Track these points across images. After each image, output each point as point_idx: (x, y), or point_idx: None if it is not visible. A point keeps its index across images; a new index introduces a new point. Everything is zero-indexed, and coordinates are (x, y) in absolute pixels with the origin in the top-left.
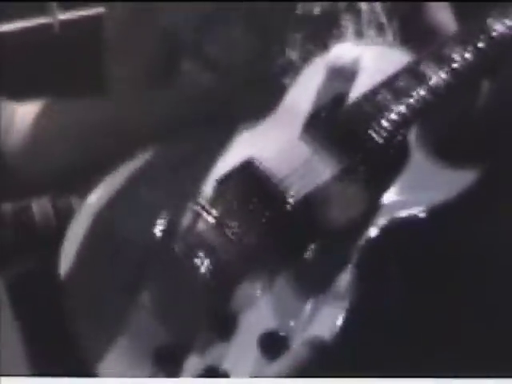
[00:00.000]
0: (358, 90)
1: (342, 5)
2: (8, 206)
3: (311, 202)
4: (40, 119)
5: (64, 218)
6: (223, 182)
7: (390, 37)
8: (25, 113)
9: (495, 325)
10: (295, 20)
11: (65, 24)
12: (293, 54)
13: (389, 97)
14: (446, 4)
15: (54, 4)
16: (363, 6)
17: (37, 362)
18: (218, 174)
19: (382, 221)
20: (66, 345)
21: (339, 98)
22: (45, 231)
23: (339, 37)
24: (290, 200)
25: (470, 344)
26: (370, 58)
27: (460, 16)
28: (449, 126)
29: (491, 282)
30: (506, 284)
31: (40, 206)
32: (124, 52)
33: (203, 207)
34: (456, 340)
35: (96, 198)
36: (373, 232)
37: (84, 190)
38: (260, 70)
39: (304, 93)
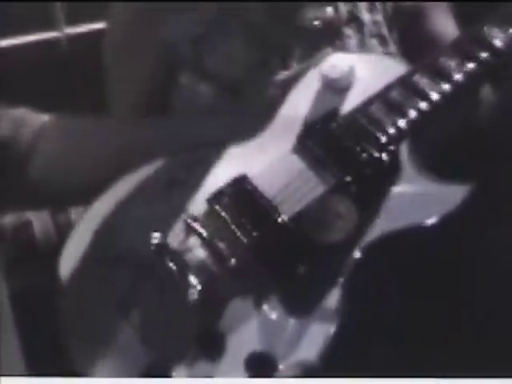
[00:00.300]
0: (352, 101)
1: (343, 16)
2: (9, 221)
3: (304, 217)
4: (47, 133)
5: (64, 234)
6: (215, 198)
7: (392, 48)
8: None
9: (498, 330)
10: (296, 31)
11: (72, 38)
12: (293, 66)
13: (383, 109)
14: (447, 14)
15: (62, 18)
16: (365, 16)
17: (36, 363)
18: (211, 190)
19: (373, 235)
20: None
21: (333, 110)
22: (45, 247)
23: (342, 48)
24: (283, 216)
25: (472, 353)
26: (364, 69)
27: (459, 24)
28: (444, 138)
29: (490, 290)
30: (507, 290)
31: (41, 222)
32: (123, 65)
33: (196, 223)
34: (457, 349)
35: (94, 211)
36: (365, 247)
37: (84, 206)
38: (260, 81)
39: (298, 105)
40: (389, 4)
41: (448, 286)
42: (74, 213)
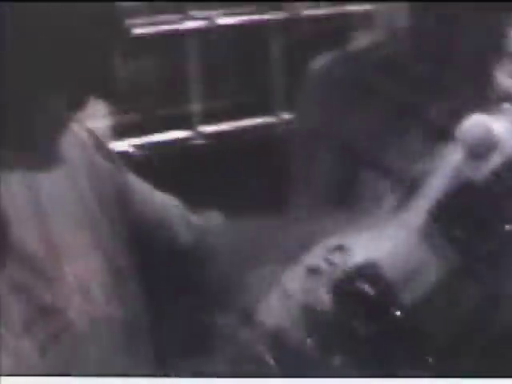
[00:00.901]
0: (490, 167)
1: None
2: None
3: (424, 308)
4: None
5: None
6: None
7: None
8: None
9: None
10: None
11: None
12: None
13: None
14: None
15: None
16: None
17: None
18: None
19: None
20: None
21: (469, 182)
22: None
23: None
24: (402, 309)
25: None
26: (504, 128)
27: None
28: None
29: None
30: None
31: None
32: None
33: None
34: None
35: None
36: (491, 337)
37: None
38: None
39: (433, 182)
40: None
41: None
42: None
